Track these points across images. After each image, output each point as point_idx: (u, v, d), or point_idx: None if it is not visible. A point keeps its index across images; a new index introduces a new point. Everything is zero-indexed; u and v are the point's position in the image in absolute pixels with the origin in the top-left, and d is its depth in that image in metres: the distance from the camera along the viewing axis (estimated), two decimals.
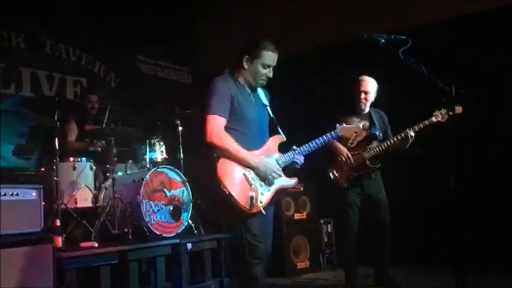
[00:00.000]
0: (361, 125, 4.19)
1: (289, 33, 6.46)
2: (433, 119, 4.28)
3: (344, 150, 4.58)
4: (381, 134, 4.68)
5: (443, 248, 3.27)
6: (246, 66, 3.10)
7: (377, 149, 4.56)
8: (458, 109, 3.70)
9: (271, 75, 3.12)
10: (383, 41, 2.79)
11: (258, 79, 3.12)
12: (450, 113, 3.87)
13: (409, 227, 5.38)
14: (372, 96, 4.71)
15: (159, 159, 5.45)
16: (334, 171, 4.63)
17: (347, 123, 4.37)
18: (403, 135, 4.42)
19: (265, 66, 3.08)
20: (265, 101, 3.26)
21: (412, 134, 4.38)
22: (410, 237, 5.44)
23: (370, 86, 4.69)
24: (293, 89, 6.40)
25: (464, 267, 2.47)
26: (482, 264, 4.47)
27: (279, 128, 3.20)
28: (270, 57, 3.07)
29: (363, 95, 4.67)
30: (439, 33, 5.47)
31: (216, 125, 2.95)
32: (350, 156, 4.55)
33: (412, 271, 5.19)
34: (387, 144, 4.52)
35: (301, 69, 6.41)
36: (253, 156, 2.99)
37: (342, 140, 4.41)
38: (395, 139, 4.49)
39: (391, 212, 4.72)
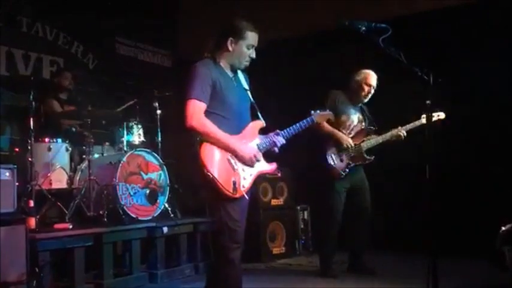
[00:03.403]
0: (356, 116, 4.74)
1: (272, 19, 6.44)
2: (423, 120, 4.52)
3: (348, 137, 4.67)
4: (376, 128, 4.83)
5: (418, 234, 3.32)
6: (230, 48, 3.06)
7: (373, 141, 4.70)
8: (441, 115, 4.40)
9: (254, 55, 3.11)
10: (364, 28, 2.78)
11: (243, 60, 3.09)
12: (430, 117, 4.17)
13: (384, 214, 5.46)
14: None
15: (137, 142, 5.41)
16: (334, 159, 4.68)
17: (343, 111, 4.69)
18: (397, 133, 4.63)
19: (249, 47, 3.06)
20: (246, 85, 3.23)
21: (405, 133, 4.63)
22: (386, 223, 5.53)
23: (375, 81, 4.78)
24: (276, 74, 6.42)
25: (437, 253, 2.52)
26: (454, 250, 4.58)
27: (259, 113, 3.18)
28: (254, 37, 3.07)
29: (372, 90, 4.77)
30: (420, 24, 5.51)
31: (196, 110, 2.90)
32: (353, 145, 4.66)
33: (386, 256, 5.28)
34: (384, 138, 4.69)
35: (283, 55, 6.43)
36: (233, 141, 2.96)
37: (338, 128, 4.67)
38: (391, 135, 4.67)
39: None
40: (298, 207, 6.17)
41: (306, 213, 6.22)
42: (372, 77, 4.77)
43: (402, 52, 2.67)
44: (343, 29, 2.87)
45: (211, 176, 2.81)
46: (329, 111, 3.70)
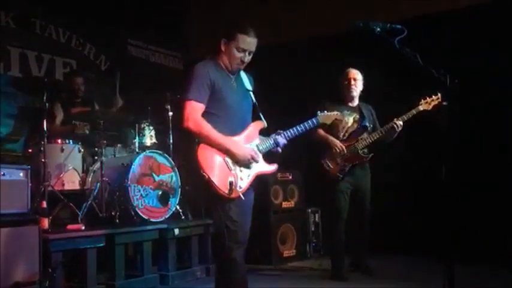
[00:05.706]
0: (351, 117, 4.73)
1: (282, 20, 6.44)
2: (420, 107, 4.50)
3: (337, 142, 4.70)
4: (371, 126, 4.83)
5: (434, 238, 3.29)
6: (223, 48, 3.05)
7: (368, 139, 4.69)
8: (435, 98, 4.35)
9: (246, 59, 3.06)
10: (378, 29, 2.77)
11: (233, 62, 3.05)
12: (433, 100, 4.39)
13: (399, 217, 5.43)
14: (360, 85, 4.85)
15: (148, 144, 5.43)
16: (329, 163, 4.71)
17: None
18: (391, 125, 4.59)
19: (239, 50, 3.01)
20: (249, 86, 3.21)
21: (401, 123, 4.56)
22: (400, 227, 5.49)
23: (357, 74, 4.85)
24: (279, 76, 6.43)
25: (453, 259, 2.49)
26: (471, 255, 4.54)
27: (260, 114, 3.18)
28: (245, 41, 3.00)
29: (352, 82, 4.82)
30: (435, 25, 5.48)
31: (193, 111, 2.92)
32: (344, 147, 4.67)
33: (400, 260, 5.26)
34: (378, 134, 4.69)
35: (290, 57, 6.42)
36: (231, 142, 2.97)
37: (333, 131, 4.69)
38: (385, 129, 4.65)
39: (380, 202, 4.78)
40: (309, 210, 6.14)
41: (316, 215, 6.19)
42: (352, 72, 4.83)
43: (418, 53, 2.66)
44: (354, 31, 2.85)
45: (206, 176, 2.84)
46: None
